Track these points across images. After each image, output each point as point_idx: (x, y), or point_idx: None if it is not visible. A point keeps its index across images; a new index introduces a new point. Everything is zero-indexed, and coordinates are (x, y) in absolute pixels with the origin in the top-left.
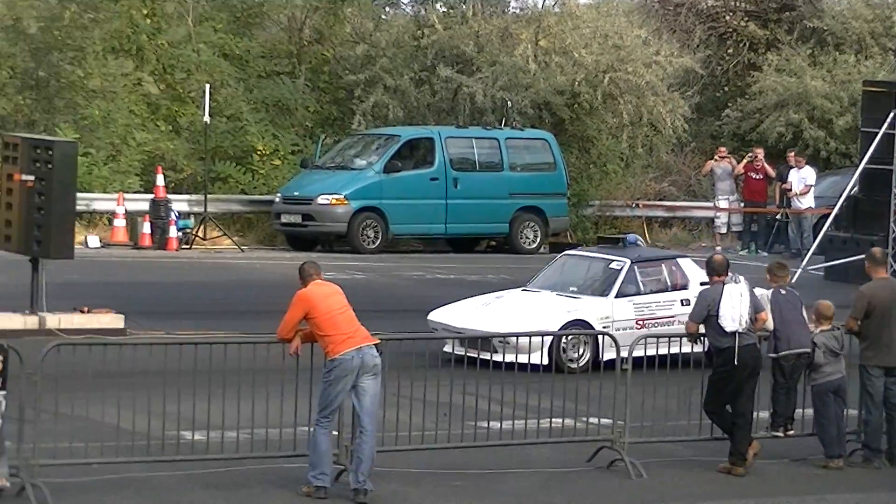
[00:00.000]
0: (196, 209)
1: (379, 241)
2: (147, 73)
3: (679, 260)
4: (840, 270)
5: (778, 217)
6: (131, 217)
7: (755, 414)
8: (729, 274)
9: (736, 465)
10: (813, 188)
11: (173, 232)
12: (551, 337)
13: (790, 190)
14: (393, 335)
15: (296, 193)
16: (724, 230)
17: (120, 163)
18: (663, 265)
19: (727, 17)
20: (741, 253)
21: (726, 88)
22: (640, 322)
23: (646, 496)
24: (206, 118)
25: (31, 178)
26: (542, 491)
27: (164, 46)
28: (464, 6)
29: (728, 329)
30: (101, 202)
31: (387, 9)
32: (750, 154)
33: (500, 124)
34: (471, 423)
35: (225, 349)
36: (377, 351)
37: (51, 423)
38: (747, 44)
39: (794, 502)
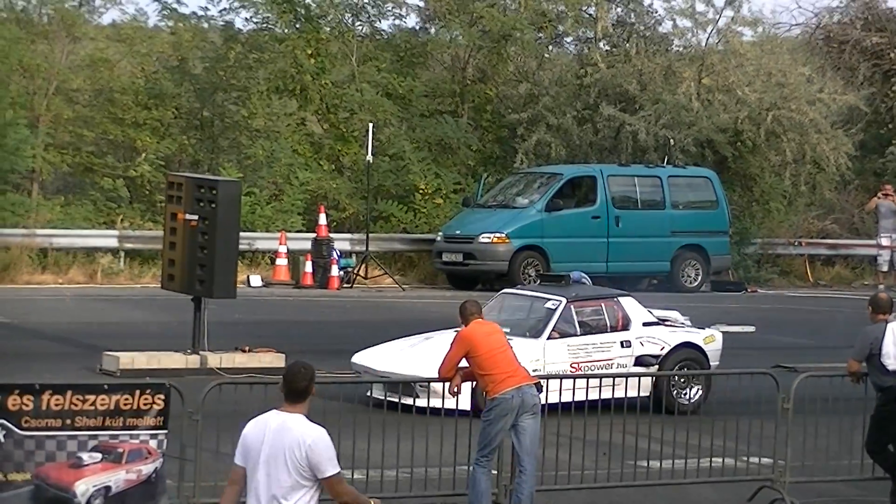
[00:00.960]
0: (358, 248)
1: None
2: (310, 113)
3: (621, 299)
4: None
5: None
6: (293, 256)
7: None
8: (893, 313)
9: None
10: None
11: (335, 271)
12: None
13: None
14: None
15: (457, 232)
16: (885, 268)
17: (283, 202)
18: (603, 304)
19: (892, 55)
20: None
21: (890, 126)
22: (575, 365)
23: None
24: (369, 157)
25: (195, 217)
26: None
27: (327, 86)
28: (627, 45)
29: (890, 367)
30: (263, 241)
31: (550, 48)
32: None
33: (663, 162)
34: (630, 462)
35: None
36: (537, 390)
37: (212, 461)
38: None
39: None
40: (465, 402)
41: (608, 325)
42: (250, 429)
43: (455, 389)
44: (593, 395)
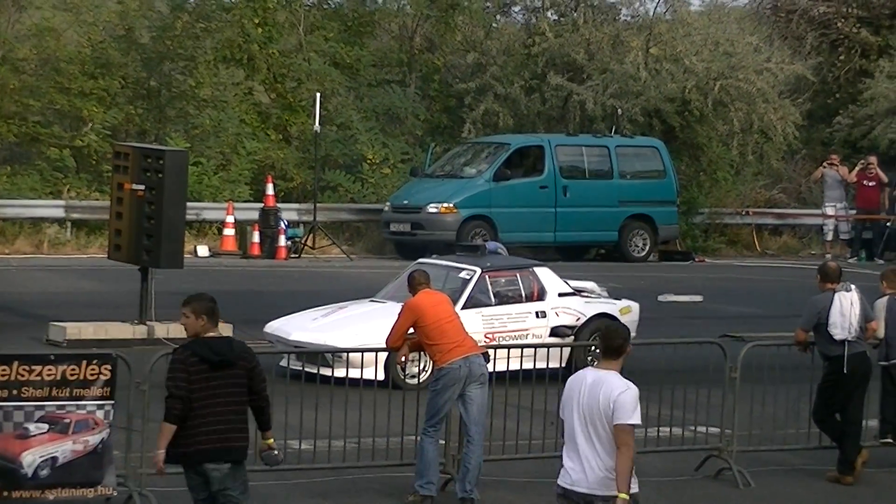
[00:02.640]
0: (305, 218)
1: None
2: (258, 83)
3: (536, 269)
4: None
5: (888, 224)
6: (241, 226)
7: (864, 422)
8: (840, 282)
9: (844, 474)
10: None
11: (282, 241)
12: (387, 352)
13: None
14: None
15: (405, 202)
16: (830, 237)
17: (230, 172)
18: (518, 275)
19: (839, 24)
20: (851, 261)
21: (838, 95)
22: (490, 335)
23: None
24: (317, 127)
25: (142, 187)
26: (650, 500)
27: (275, 55)
28: (575, 14)
29: (838, 337)
30: (210, 211)
31: (498, 17)
32: (863, 161)
33: (611, 132)
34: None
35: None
36: (485, 360)
37: (158, 431)
38: (859, 50)
39: None
40: (373, 373)
41: (523, 295)
42: (569, 383)
43: (402, 359)
44: (504, 366)
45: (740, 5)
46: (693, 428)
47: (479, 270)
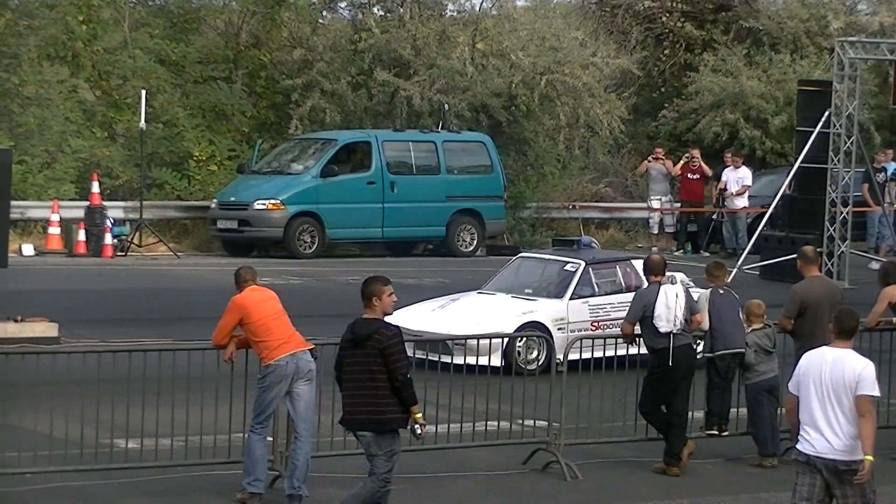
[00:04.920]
0: (132, 216)
1: (316, 246)
2: (83, 80)
3: (633, 262)
4: (775, 269)
5: (714, 217)
6: (66, 225)
7: (690, 414)
8: (666, 275)
9: (671, 465)
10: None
11: (108, 239)
12: (506, 339)
13: (726, 189)
14: (330, 340)
15: (232, 199)
16: (655, 230)
17: (55, 170)
18: (618, 267)
19: (664, 18)
20: (676, 254)
21: (663, 89)
22: (596, 324)
23: (581, 498)
24: (143, 124)
25: None
26: (478, 494)
27: (99, 52)
28: (401, 10)
29: (663, 330)
30: (35, 210)
31: (324, 13)
32: (687, 155)
33: (438, 127)
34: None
35: (159, 356)
36: (312, 356)
37: None
38: (684, 44)
39: (728, 501)
40: (493, 360)
41: (623, 285)
42: (806, 361)
43: (229, 357)
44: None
45: (566, 0)
46: (521, 422)
47: (583, 263)
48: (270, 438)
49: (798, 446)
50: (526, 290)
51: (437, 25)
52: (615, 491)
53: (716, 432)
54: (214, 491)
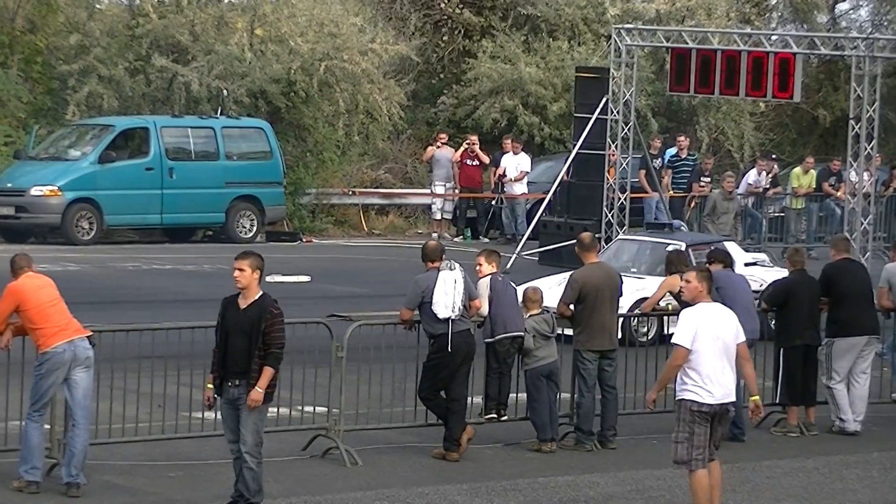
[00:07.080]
0: None
1: (94, 233)
2: None
3: (726, 243)
4: (554, 255)
5: (493, 203)
6: None
7: (469, 399)
8: (444, 260)
9: (450, 451)
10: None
11: None
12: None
13: (505, 175)
14: (107, 327)
15: (8, 185)
16: (438, 216)
17: None
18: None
19: (442, 5)
20: (455, 240)
21: (442, 76)
22: None
23: (360, 483)
24: None
25: None
26: None
27: None
28: None
29: (441, 316)
30: None
31: None
32: (467, 141)
33: (216, 113)
34: (185, 413)
35: None
36: (90, 343)
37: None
38: (462, 31)
39: (506, 485)
40: None
41: None
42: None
43: (5, 345)
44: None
45: None
46: (300, 408)
47: (684, 244)
48: (48, 426)
49: (697, 398)
50: (632, 270)
51: (216, 11)
52: (395, 476)
53: (495, 417)
54: None
